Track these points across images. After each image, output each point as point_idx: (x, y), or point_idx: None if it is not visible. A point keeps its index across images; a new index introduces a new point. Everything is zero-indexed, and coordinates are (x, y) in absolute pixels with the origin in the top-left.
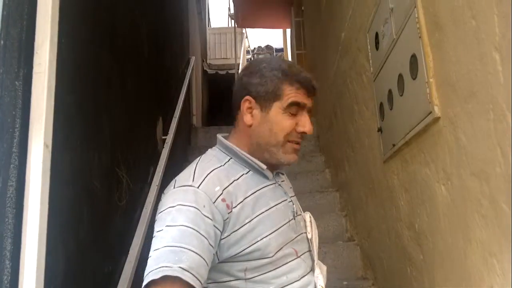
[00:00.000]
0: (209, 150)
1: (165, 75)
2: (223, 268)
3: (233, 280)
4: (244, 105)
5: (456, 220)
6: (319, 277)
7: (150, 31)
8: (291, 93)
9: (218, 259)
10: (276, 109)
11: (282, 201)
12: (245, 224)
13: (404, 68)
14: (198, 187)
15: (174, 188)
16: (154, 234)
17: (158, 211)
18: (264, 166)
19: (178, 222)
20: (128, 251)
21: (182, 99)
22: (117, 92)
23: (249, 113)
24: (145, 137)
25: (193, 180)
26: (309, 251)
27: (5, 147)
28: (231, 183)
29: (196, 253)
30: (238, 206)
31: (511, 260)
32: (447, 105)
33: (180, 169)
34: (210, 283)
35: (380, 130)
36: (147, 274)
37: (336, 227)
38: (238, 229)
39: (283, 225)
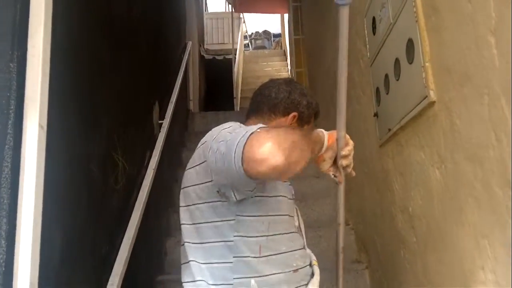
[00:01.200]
0: None
1: (161, 59)
2: (250, 223)
3: (258, 236)
4: (290, 120)
5: (450, 203)
6: (312, 254)
7: (146, 16)
8: (312, 122)
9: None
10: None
11: (284, 181)
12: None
13: (401, 53)
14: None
15: (213, 129)
16: (215, 148)
17: (210, 142)
18: None
19: (235, 130)
20: (124, 233)
21: (179, 84)
22: (112, 76)
23: (289, 125)
24: (141, 121)
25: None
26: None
27: (0, 128)
28: None
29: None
30: None
31: (502, 242)
32: (443, 90)
33: (177, 154)
34: (238, 236)
35: (376, 115)
36: (239, 140)
37: (331, 212)
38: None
39: (285, 197)
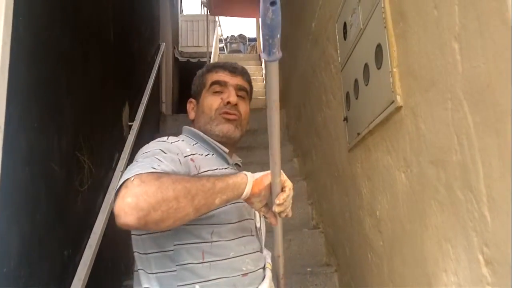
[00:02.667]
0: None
1: (132, 60)
2: (192, 230)
3: (200, 242)
4: (189, 106)
5: (415, 207)
6: (267, 256)
7: (117, 14)
8: (211, 76)
9: None
10: (204, 94)
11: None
12: None
13: (370, 58)
14: (171, 143)
15: (148, 144)
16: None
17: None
18: (226, 150)
19: (148, 156)
20: (90, 236)
21: (151, 85)
22: (79, 75)
23: (192, 111)
24: (110, 122)
25: (167, 139)
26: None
27: None
28: (200, 155)
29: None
30: (204, 173)
31: (464, 245)
32: (409, 95)
33: None
34: (179, 244)
35: (345, 119)
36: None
37: (302, 215)
38: None
39: (240, 203)
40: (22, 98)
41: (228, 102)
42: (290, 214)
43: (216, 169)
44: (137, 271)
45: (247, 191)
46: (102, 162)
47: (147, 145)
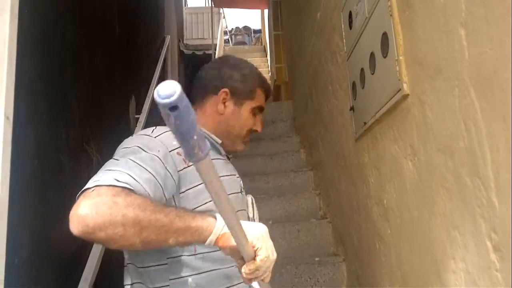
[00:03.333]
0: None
1: (138, 53)
2: None
3: (184, 255)
4: (221, 96)
5: (422, 195)
6: None
7: (122, 8)
8: (260, 97)
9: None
10: (247, 107)
11: (231, 175)
12: (201, 184)
13: (376, 47)
14: (155, 137)
15: (132, 136)
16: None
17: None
18: (219, 141)
19: (127, 157)
20: None
21: (157, 78)
22: (85, 68)
23: (223, 103)
24: (117, 115)
25: (152, 132)
26: None
27: None
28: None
29: (137, 182)
30: (198, 187)
31: (472, 232)
32: (416, 83)
33: None
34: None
35: (352, 109)
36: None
37: (309, 206)
38: (194, 186)
39: (231, 194)
40: (30, 91)
41: (255, 130)
42: (266, 280)
43: (223, 176)
44: (126, 265)
45: (209, 241)
46: (110, 154)
47: (129, 138)
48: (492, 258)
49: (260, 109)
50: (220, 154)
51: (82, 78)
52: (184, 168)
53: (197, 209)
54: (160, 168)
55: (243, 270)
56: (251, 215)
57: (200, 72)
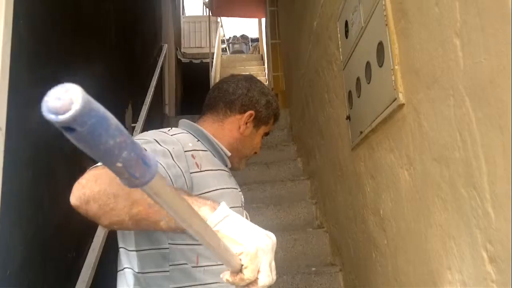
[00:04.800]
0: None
1: (134, 61)
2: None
3: (195, 244)
4: (246, 118)
5: (418, 205)
6: None
7: (119, 16)
8: (271, 123)
9: None
10: (261, 131)
11: (234, 188)
12: (211, 191)
13: (372, 56)
14: (171, 135)
15: (147, 131)
16: None
17: None
18: (229, 154)
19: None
20: (93, 238)
21: (153, 87)
22: (81, 76)
23: (245, 124)
24: None
25: (168, 131)
26: None
27: None
28: (202, 151)
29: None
30: (206, 172)
31: (468, 242)
32: (411, 92)
33: None
34: (173, 244)
35: (348, 118)
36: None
37: (306, 215)
38: (205, 193)
39: (234, 208)
40: (23, 99)
41: (255, 153)
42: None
43: (218, 169)
44: (122, 270)
45: None
46: None
47: (146, 132)
48: (488, 269)
49: (267, 134)
50: (226, 166)
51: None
52: (197, 172)
53: None
54: (172, 164)
55: (224, 275)
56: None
57: (224, 85)
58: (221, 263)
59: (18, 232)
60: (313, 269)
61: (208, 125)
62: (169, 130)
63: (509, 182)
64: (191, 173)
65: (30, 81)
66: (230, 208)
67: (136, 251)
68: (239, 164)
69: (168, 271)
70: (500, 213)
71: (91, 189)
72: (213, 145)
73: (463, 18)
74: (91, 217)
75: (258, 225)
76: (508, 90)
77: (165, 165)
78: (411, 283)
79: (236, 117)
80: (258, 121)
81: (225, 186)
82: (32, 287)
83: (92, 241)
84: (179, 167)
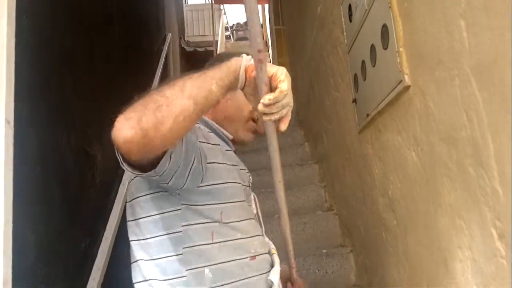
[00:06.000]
0: None
1: (139, 52)
2: (201, 210)
3: (210, 222)
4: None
5: (427, 185)
6: (270, 242)
7: (121, 8)
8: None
9: (204, 171)
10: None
11: (243, 168)
12: (221, 164)
13: (376, 39)
14: None
15: None
16: None
17: None
18: (231, 136)
19: None
20: (106, 227)
21: (158, 76)
22: (86, 70)
23: None
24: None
25: None
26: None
27: None
28: (214, 144)
29: None
30: (216, 147)
31: (476, 221)
32: (417, 74)
33: None
34: (186, 225)
35: (354, 101)
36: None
37: (315, 198)
38: (215, 162)
39: (244, 186)
40: (29, 96)
41: (253, 113)
42: (282, 128)
43: (225, 163)
44: (135, 262)
45: (241, 75)
46: (113, 154)
47: None
48: (498, 246)
49: None
50: (231, 147)
51: (82, 81)
52: (209, 148)
53: (220, 185)
54: (194, 141)
55: (262, 100)
56: (254, 211)
57: None
58: (236, 238)
59: (32, 226)
60: (324, 251)
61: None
62: None
63: None
64: (203, 160)
65: (34, 77)
66: (241, 183)
67: (151, 238)
68: (239, 134)
69: (181, 254)
70: (507, 190)
71: (135, 112)
72: (215, 130)
73: None
74: (153, 131)
75: (269, 209)
76: (509, 70)
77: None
78: (422, 263)
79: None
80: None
81: (234, 163)
82: (47, 278)
83: (104, 230)
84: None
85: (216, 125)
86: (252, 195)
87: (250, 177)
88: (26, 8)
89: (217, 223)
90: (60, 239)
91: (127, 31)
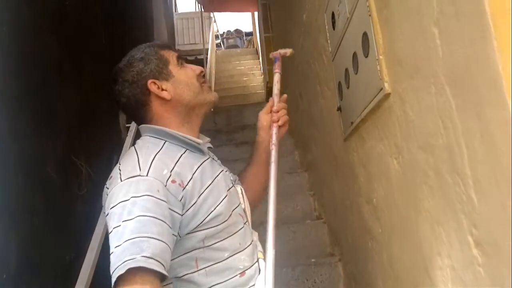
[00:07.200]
0: (139, 140)
1: None
2: (183, 243)
3: (191, 251)
4: (154, 88)
5: (408, 192)
6: (257, 243)
7: (108, 17)
8: (169, 53)
9: (180, 236)
10: (174, 69)
11: (220, 172)
12: (199, 197)
13: (358, 47)
14: (147, 175)
15: (121, 181)
16: (110, 230)
17: (108, 205)
18: (200, 141)
19: (135, 214)
20: (91, 239)
21: None
22: (71, 79)
23: (162, 91)
24: (106, 125)
25: (140, 170)
26: (246, 221)
27: None
28: (176, 164)
29: (157, 239)
30: (190, 183)
31: (454, 228)
32: (396, 81)
33: None
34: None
35: (339, 109)
36: (113, 272)
37: (304, 207)
38: (194, 203)
39: (227, 193)
40: (11, 106)
41: (201, 72)
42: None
43: (198, 167)
44: None
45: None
46: (101, 165)
47: (119, 186)
48: (475, 253)
49: (180, 57)
50: (203, 154)
51: (68, 90)
52: (183, 190)
53: (204, 220)
54: (166, 211)
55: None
56: (243, 206)
57: (116, 98)
58: (223, 259)
59: (13, 236)
60: (313, 260)
61: (156, 124)
62: (139, 167)
63: (488, 167)
64: (180, 200)
65: (18, 87)
66: (224, 196)
67: None
68: (201, 97)
69: (171, 282)
70: (482, 198)
71: None
72: (182, 140)
73: (439, 6)
74: None
75: (257, 219)
76: (482, 77)
77: (162, 217)
78: (405, 271)
79: (151, 98)
80: (161, 74)
81: (210, 181)
82: None
83: (90, 242)
84: (170, 209)
85: (181, 135)
86: (239, 188)
87: (230, 175)
88: (6, 19)
89: (201, 249)
90: (43, 249)
91: (114, 40)
